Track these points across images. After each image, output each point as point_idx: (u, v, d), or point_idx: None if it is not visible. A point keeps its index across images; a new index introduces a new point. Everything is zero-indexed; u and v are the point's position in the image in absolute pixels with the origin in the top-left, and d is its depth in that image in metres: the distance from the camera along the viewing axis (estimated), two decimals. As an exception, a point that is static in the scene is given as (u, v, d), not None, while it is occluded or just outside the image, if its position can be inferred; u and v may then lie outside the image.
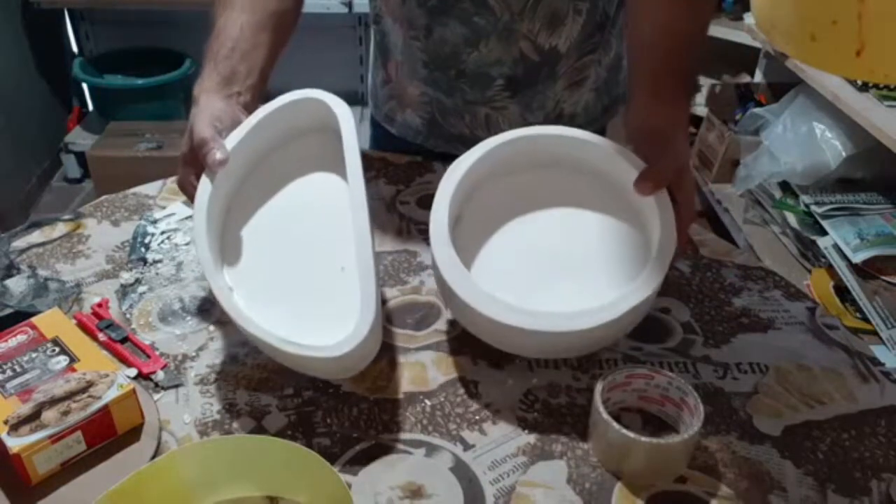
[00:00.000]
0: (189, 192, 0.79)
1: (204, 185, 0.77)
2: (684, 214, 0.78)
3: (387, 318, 0.85)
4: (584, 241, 0.83)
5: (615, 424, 0.66)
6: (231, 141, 0.79)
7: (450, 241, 0.75)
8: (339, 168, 0.79)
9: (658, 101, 0.84)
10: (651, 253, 0.75)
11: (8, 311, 0.81)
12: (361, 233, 0.71)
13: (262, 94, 0.87)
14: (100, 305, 0.84)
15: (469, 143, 1.10)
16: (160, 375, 0.76)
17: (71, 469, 0.66)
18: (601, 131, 1.16)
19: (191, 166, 0.79)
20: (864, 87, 1.96)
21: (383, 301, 0.87)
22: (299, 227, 0.79)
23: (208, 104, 0.81)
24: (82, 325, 0.81)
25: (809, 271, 2.08)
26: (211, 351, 0.79)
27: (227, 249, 0.78)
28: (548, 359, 0.79)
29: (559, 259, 0.82)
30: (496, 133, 1.08)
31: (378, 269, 0.72)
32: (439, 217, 0.78)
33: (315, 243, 0.77)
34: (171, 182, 1.08)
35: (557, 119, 1.08)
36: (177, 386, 0.75)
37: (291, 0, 0.94)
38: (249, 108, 0.84)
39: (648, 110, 0.85)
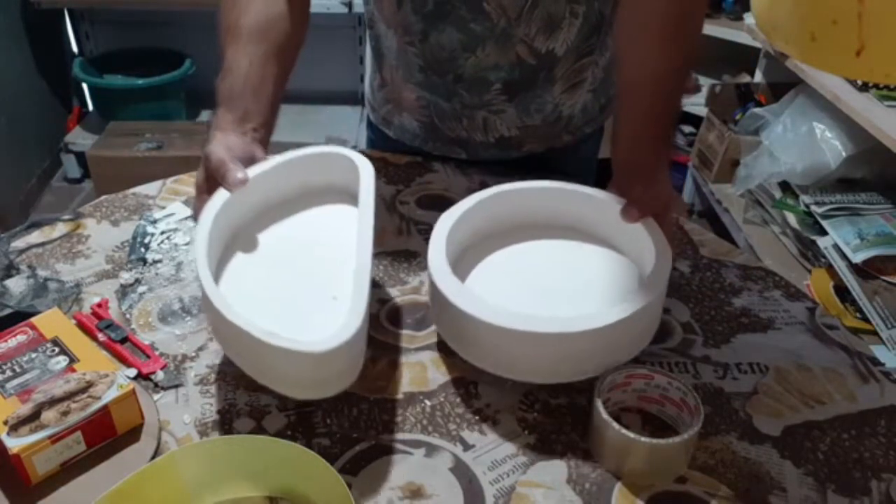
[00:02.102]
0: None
1: (215, 201, 0.77)
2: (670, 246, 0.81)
3: (387, 318, 0.85)
4: (577, 276, 0.85)
5: (615, 424, 0.66)
6: (250, 172, 0.80)
7: (448, 267, 0.77)
8: (351, 205, 0.82)
9: (644, 137, 0.88)
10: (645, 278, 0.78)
11: (7, 311, 0.81)
12: (363, 261, 0.71)
13: (275, 123, 0.89)
14: (99, 305, 0.84)
15: (467, 146, 1.11)
16: (160, 375, 0.76)
17: (71, 469, 0.66)
18: (599, 131, 1.17)
19: (207, 194, 0.79)
20: (864, 87, 1.96)
21: (383, 301, 0.87)
22: (298, 255, 0.79)
23: (223, 138, 0.82)
24: (82, 326, 0.81)
25: (809, 271, 2.07)
26: (211, 351, 0.79)
27: (224, 265, 0.78)
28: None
29: (555, 294, 0.82)
30: (494, 136, 1.09)
31: (371, 297, 0.70)
32: (437, 250, 0.79)
33: (311, 272, 0.77)
34: (172, 182, 1.08)
35: (556, 121, 1.08)
36: (176, 386, 0.75)
37: (298, 25, 0.93)
38: (264, 142, 0.85)
39: (635, 145, 0.88)
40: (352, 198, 0.82)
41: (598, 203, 0.86)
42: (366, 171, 0.82)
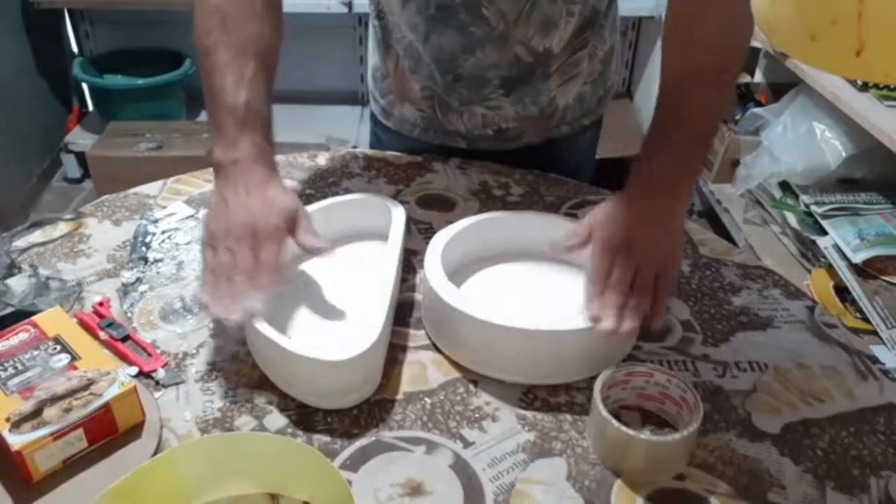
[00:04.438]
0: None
1: None
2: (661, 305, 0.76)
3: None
4: (561, 294, 0.87)
5: (615, 422, 0.66)
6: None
7: (442, 270, 0.79)
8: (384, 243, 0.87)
9: (668, 144, 0.80)
10: None
11: (9, 309, 0.81)
12: (385, 288, 0.77)
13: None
14: (101, 304, 0.84)
15: (466, 138, 1.12)
16: (161, 373, 0.76)
17: (72, 466, 0.66)
18: (597, 123, 1.18)
19: (271, 242, 0.73)
20: (864, 87, 1.96)
21: None
22: (334, 286, 0.87)
23: (272, 186, 0.77)
24: (83, 324, 0.81)
25: (809, 271, 2.08)
26: (211, 349, 0.80)
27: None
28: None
29: (540, 306, 0.85)
30: (493, 130, 1.10)
31: (391, 318, 0.79)
32: (433, 261, 0.81)
33: (344, 301, 0.85)
34: (173, 182, 1.09)
35: (553, 113, 1.09)
36: (177, 384, 0.75)
37: (275, 38, 0.85)
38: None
39: (655, 151, 0.81)
40: (385, 237, 0.87)
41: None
42: (397, 214, 0.89)
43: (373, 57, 1.16)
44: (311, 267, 0.90)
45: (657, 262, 0.75)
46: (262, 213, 0.74)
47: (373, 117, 1.23)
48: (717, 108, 0.84)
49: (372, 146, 1.24)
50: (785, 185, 2.27)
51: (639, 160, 0.81)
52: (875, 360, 0.82)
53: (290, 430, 0.71)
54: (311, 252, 0.78)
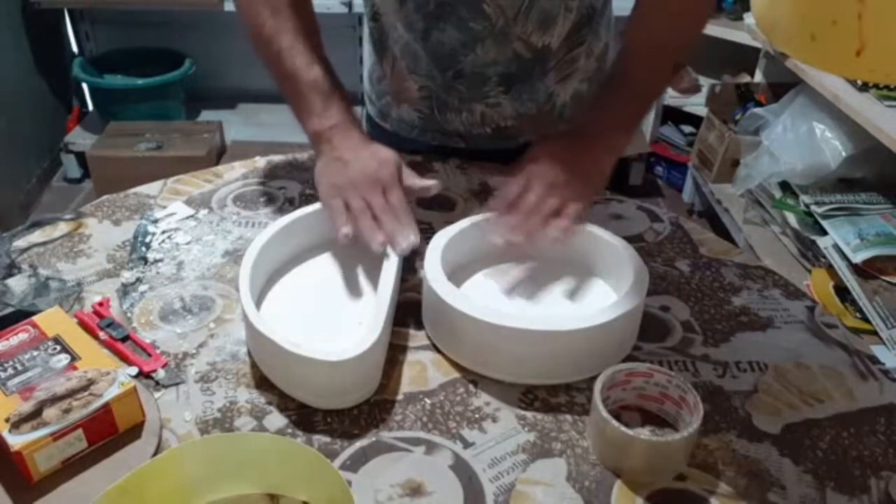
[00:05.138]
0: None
1: (264, 234, 0.84)
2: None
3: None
4: (559, 294, 0.87)
5: (614, 422, 0.66)
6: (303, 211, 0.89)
7: (442, 270, 0.79)
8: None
9: (609, 101, 0.93)
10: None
11: (9, 310, 0.81)
12: (385, 290, 0.77)
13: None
14: (101, 304, 0.84)
15: (464, 138, 1.12)
16: (161, 374, 0.76)
17: (72, 467, 0.66)
18: None
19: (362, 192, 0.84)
20: (864, 87, 1.96)
21: None
22: (333, 286, 0.87)
23: (372, 145, 0.89)
24: (83, 324, 0.81)
25: (809, 271, 2.08)
26: (211, 349, 0.80)
27: (267, 292, 0.85)
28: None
29: (540, 306, 0.85)
30: (491, 129, 1.10)
31: (391, 318, 0.78)
32: (433, 260, 0.81)
33: (342, 301, 0.85)
34: (173, 182, 1.09)
35: (551, 110, 1.09)
36: (177, 384, 0.75)
37: (316, 24, 0.98)
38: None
39: (596, 106, 0.94)
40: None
41: (582, 234, 0.88)
42: None
43: (369, 59, 1.16)
44: (311, 267, 0.90)
45: (563, 197, 0.84)
46: (379, 165, 0.86)
47: (369, 120, 1.23)
48: (664, 79, 1.01)
49: None
50: (785, 185, 2.27)
51: (586, 111, 0.95)
52: (875, 360, 0.82)
53: (289, 431, 0.71)
54: (422, 191, 0.89)
